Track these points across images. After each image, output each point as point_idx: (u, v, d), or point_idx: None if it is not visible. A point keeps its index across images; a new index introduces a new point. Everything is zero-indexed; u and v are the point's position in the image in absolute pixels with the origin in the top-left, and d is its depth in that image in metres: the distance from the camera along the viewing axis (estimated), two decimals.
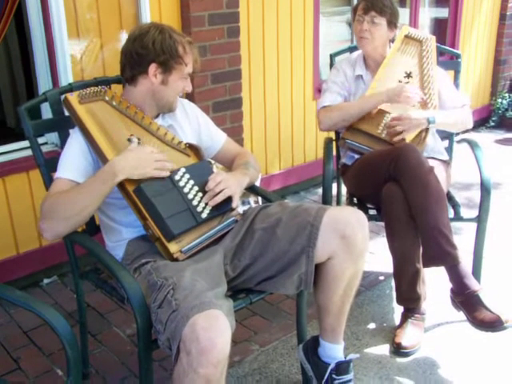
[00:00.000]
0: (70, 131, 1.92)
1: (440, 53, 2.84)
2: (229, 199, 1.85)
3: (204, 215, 1.80)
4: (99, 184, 1.70)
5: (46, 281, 2.95)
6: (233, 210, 1.90)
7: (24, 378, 2.24)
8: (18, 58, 4.48)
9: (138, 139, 1.85)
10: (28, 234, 2.84)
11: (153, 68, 1.85)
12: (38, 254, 2.88)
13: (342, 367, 1.95)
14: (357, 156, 2.59)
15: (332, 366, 1.95)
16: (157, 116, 1.98)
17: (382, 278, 2.91)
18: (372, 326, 2.51)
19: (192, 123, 2.10)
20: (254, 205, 3.11)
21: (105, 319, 2.62)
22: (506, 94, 5.63)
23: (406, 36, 2.70)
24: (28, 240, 2.85)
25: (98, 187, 1.70)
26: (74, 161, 1.80)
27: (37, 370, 2.28)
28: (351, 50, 2.92)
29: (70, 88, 2.03)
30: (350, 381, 1.95)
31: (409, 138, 2.48)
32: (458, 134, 2.83)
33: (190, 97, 2.06)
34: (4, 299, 1.49)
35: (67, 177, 1.77)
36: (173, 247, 1.73)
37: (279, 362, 2.29)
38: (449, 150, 2.85)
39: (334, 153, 2.79)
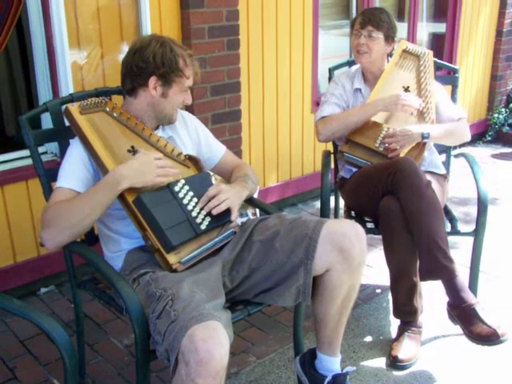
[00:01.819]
0: (71, 141, 1.93)
1: (437, 67, 2.87)
2: (228, 211, 1.86)
3: (203, 227, 1.81)
4: (102, 193, 1.71)
5: (43, 290, 2.94)
6: (231, 221, 1.91)
7: None
8: (18, 67, 4.50)
9: (137, 150, 1.86)
10: (26, 242, 2.84)
11: (153, 81, 1.86)
12: (36, 263, 2.88)
13: (338, 380, 1.95)
14: (355, 169, 2.60)
15: (329, 378, 1.95)
16: (157, 127, 1.99)
17: (379, 291, 2.91)
18: (369, 338, 2.51)
19: (191, 135, 2.12)
20: (252, 217, 3.12)
21: (102, 329, 2.61)
22: (503, 109, 5.67)
23: (404, 50, 2.73)
24: (26, 249, 2.84)
25: (100, 196, 1.71)
26: (74, 170, 1.81)
27: (33, 380, 2.27)
28: (350, 63, 2.95)
29: (71, 98, 2.05)
30: None
31: (404, 152, 2.49)
32: (455, 147, 2.85)
33: (189, 108, 2.08)
34: (2, 308, 1.49)
35: (68, 186, 1.78)
36: (172, 258, 1.74)
37: (276, 373, 2.29)
38: (446, 164, 2.87)
39: (332, 166, 2.81)
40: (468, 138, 2.66)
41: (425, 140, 2.47)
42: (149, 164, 1.76)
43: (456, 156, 2.88)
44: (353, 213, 2.67)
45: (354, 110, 2.60)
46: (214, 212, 1.82)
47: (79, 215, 1.70)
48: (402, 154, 2.47)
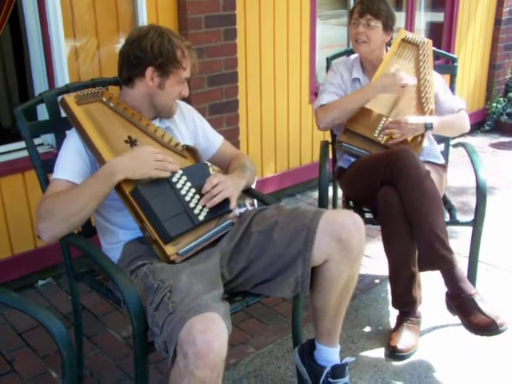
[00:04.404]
0: (67, 132, 1.91)
1: (436, 57, 2.85)
2: (226, 201, 1.85)
3: (201, 217, 1.80)
4: (98, 184, 1.69)
5: (40, 282, 2.94)
6: (230, 212, 1.90)
7: (18, 380, 2.23)
8: (11, 58, 4.46)
9: (135, 140, 1.85)
10: (23, 235, 2.83)
11: (150, 71, 1.84)
12: (33, 256, 2.87)
13: (337, 370, 1.95)
14: (353, 159, 2.59)
15: (328, 369, 1.94)
16: (154, 118, 1.98)
17: (377, 281, 2.91)
18: (368, 329, 2.51)
19: (189, 125, 2.10)
20: (250, 207, 3.11)
21: (100, 321, 2.61)
22: (501, 99, 5.65)
23: (403, 40, 2.71)
24: (23, 241, 2.83)
25: (96, 188, 1.69)
26: (70, 162, 1.80)
27: (31, 372, 2.27)
28: (348, 53, 2.93)
29: (67, 89, 2.03)
30: None
31: (408, 139, 2.48)
32: (453, 137, 2.84)
33: (186, 99, 2.06)
34: None
35: (64, 178, 1.76)
36: (170, 250, 1.73)
37: (275, 364, 2.29)
38: (444, 153, 2.86)
39: (331, 156, 2.79)
40: (467, 129, 2.65)
41: (428, 130, 2.46)
42: (145, 157, 1.74)
43: (454, 146, 2.87)
44: (351, 203, 2.66)
45: (353, 95, 2.58)
46: (209, 205, 1.81)
47: (75, 207, 1.68)
48: (409, 139, 2.47)
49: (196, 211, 1.80)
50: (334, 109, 2.56)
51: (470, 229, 2.51)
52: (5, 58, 4.48)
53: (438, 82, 2.67)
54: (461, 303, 2.16)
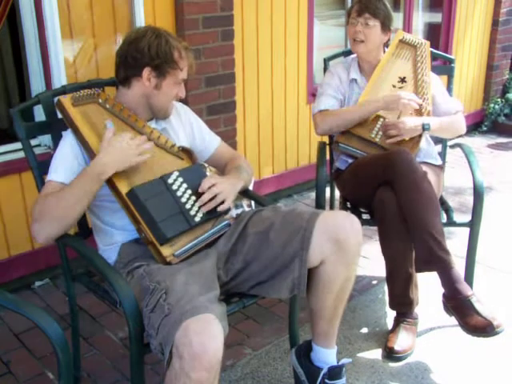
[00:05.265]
0: (63, 133, 1.91)
1: (433, 58, 2.85)
2: (222, 203, 1.85)
3: (197, 219, 1.80)
4: (86, 183, 1.69)
5: (37, 283, 2.93)
6: (226, 213, 1.90)
7: (15, 381, 2.23)
8: (10, 58, 4.45)
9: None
10: (20, 236, 2.82)
11: (147, 71, 1.84)
12: (30, 257, 2.86)
13: (334, 372, 1.95)
14: (350, 160, 2.58)
15: (324, 370, 1.95)
16: (150, 119, 1.98)
17: (374, 282, 2.91)
18: (365, 330, 2.51)
19: (185, 126, 2.10)
20: (247, 208, 3.11)
21: (97, 322, 2.60)
22: (499, 99, 5.65)
23: (401, 41, 2.71)
24: (20, 242, 2.83)
25: (85, 186, 1.69)
26: (65, 163, 1.80)
27: (28, 374, 2.26)
28: (345, 54, 2.92)
29: (64, 90, 2.03)
30: None
31: (405, 139, 2.48)
32: (451, 138, 2.84)
33: (183, 100, 2.06)
34: None
35: (58, 179, 1.76)
36: (166, 251, 1.72)
37: (272, 366, 2.29)
38: (442, 154, 2.86)
39: (328, 157, 2.79)
40: (464, 131, 2.66)
41: (425, 131, 2.46)
42: (128, 147, 1.74)
43: (452, 146, 2.87)
44: (348, 204, 2.66)
45: (354, 108, 2.57)
46: (205, 209, 1.82)
47: (66, 206, 1.68)
48: (406, 139, 2.47)
49: (192, 212, 1.80)
50: (333, 117, 2.55)
51: (467, 230, 2.52)
52: (3, 58, 4.47)
53: (435, 83, 2.66)
54: (457, 304, 2.16)
